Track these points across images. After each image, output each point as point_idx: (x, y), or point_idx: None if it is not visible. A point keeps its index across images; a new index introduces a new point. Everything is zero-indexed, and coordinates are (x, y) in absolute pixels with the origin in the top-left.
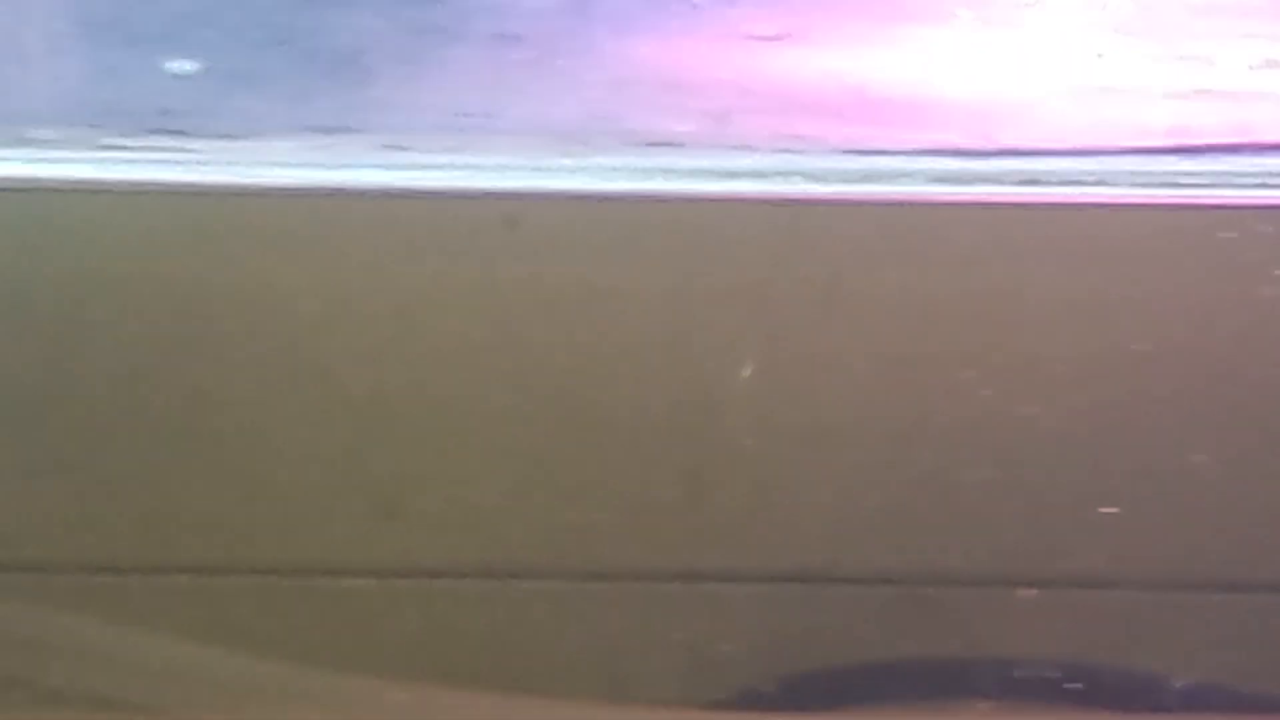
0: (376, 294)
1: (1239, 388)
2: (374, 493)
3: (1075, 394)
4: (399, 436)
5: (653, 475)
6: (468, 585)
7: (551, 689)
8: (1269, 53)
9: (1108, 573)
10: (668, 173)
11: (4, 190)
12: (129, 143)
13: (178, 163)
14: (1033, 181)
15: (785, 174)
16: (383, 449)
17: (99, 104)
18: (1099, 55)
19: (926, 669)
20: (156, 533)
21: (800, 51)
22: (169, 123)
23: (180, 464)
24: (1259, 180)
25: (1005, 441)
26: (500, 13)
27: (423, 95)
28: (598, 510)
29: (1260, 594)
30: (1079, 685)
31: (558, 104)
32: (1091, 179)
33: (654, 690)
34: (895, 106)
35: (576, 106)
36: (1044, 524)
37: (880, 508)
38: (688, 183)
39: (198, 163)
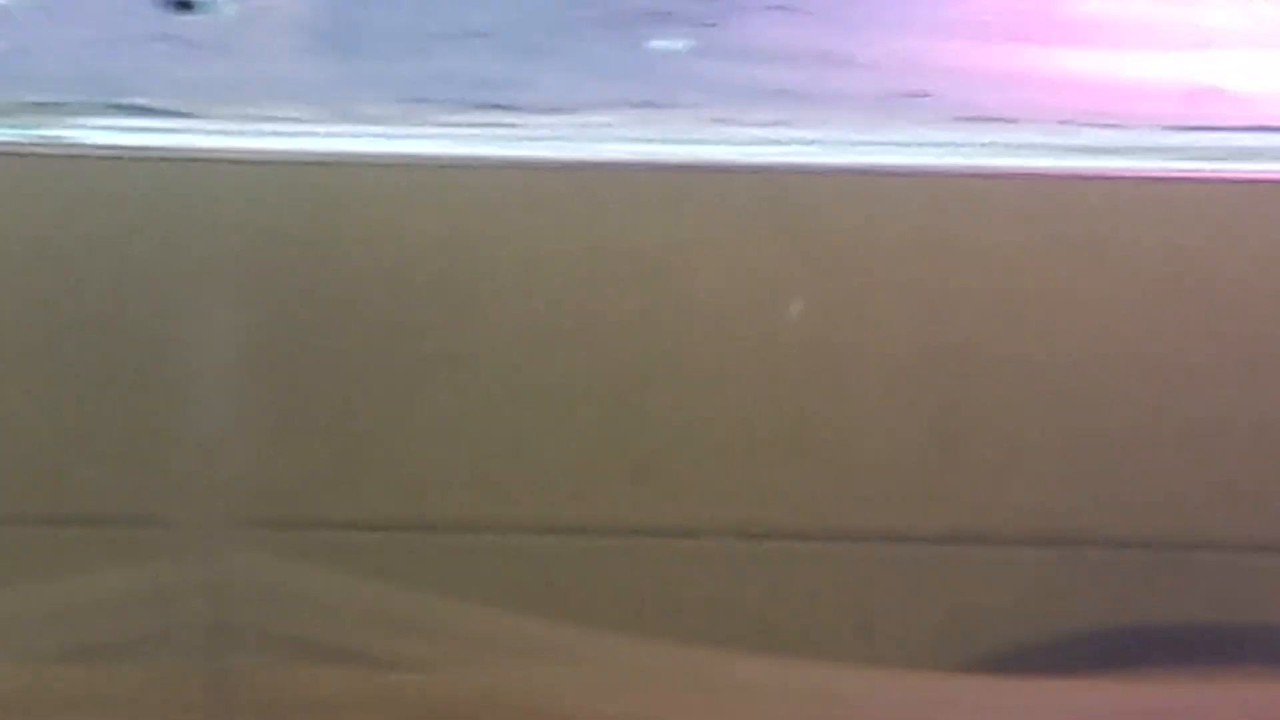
0: (643, 260)
1: None
2: (625, 453)
3: None
4: (650, 397)
5: (907, 437)
6: (719, 545)
7: (804, 651)
8: None
9: None
10: (1002, 148)
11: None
12: (454, 119)
13: (501, 138)
14: None
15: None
16: (634, 409)
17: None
18: None
19: (1187, 634)
20: (416, 491)
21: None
22: (493, 97)
23: (440, 424)
24: None
25: None
26: None
27: (724, 68)
28: (850, 471)
29: None
30: None
31: (860, 77)
32: None
33: (906, 653)
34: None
35: (877, 79)
36: None
37: (1142, 470)
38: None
39: (524, 138)
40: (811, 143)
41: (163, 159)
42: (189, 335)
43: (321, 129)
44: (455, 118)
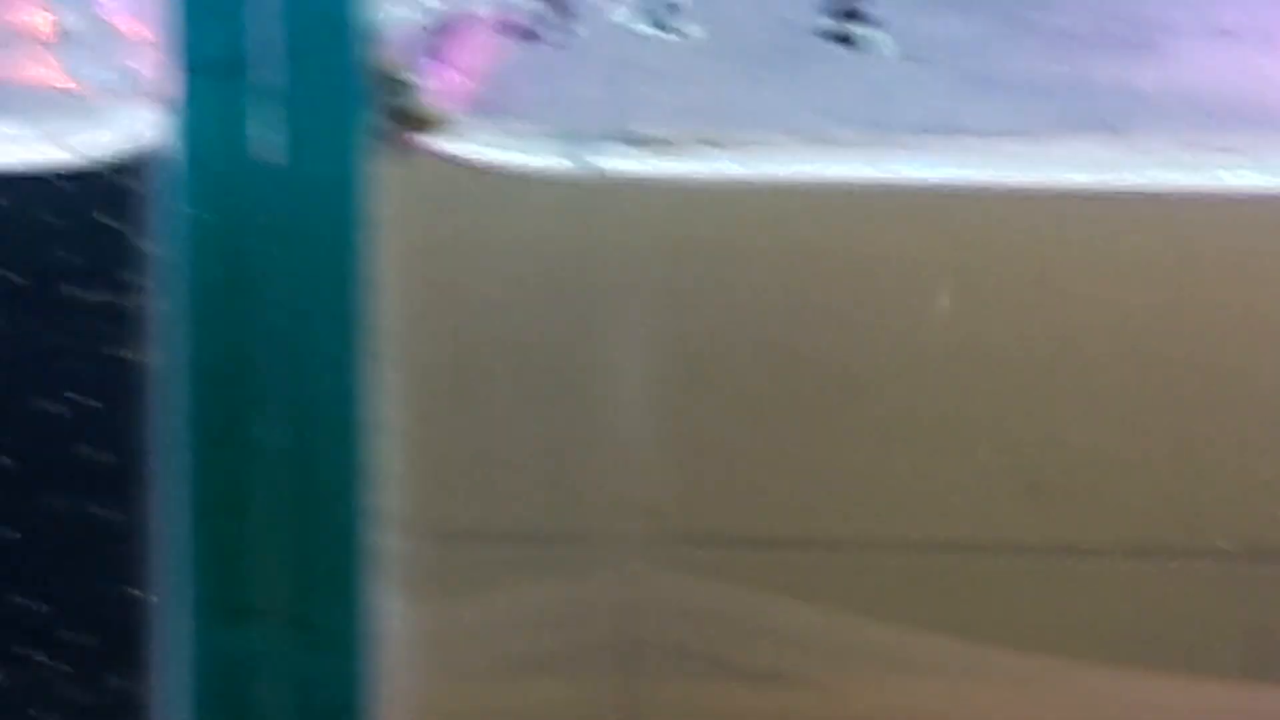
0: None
1: None
2: (1019, 471)
3: None
4: (1044, 415)
5: None
6: (1110, 563)
7: (1194, 668)
8: None
9: None
10: None
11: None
12: (912, 142)
13: (955, 163)
14: None
15: None
16: (1030, 428)
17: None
18: None
19: None
20: (820, 509)
21: None
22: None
23: (842, 444)
24: None
25: None
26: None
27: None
28: (1242, 489)
29: None
30: None
31: None
32: None
33: None
34: None
35: None
36: None
37: None
38: None
39: (979, 164)
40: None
41: (656, 188)
42: (615, 354)
43: (794, 155)
44: (913, 140)
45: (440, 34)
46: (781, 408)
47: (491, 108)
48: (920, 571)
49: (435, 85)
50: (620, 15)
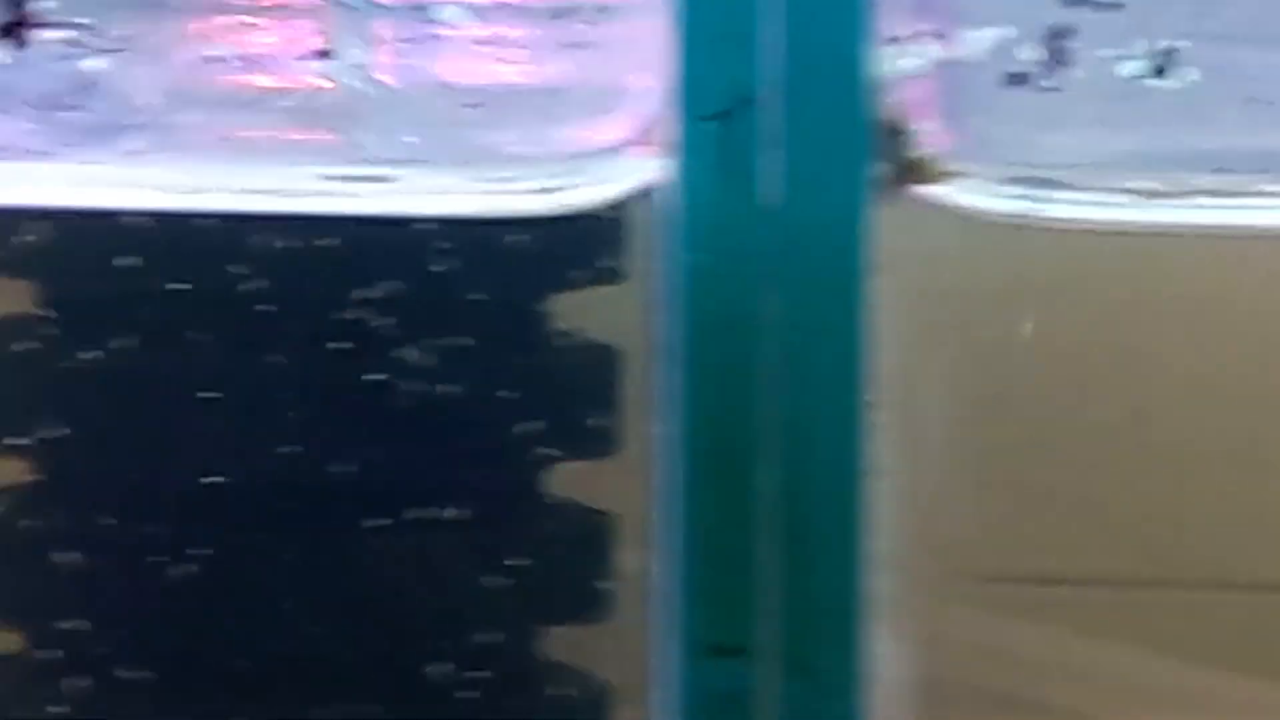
0: None
1: None
2: None
3: None
4: None
5: None
6: None
7: None
8: None
9: None
10: None
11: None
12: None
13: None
14: None
15: None
16: None
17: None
18: None
19: None
20: (1108, 547)
21: None
22: None
23: (1131, 482)
24: None
25: None
26: None
27: None
28: None
29: None
30: None
31: None
32: None
33: None
34: None
35: None
36: None
37: None
38: None
39: None
40: None
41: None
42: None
43: (1158, 201)
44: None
45: (929, 80)
46: (1080, 448)
47: (975, 153)
48: (1216, 610)
49: (926, 132)
50: (1120, 62)
